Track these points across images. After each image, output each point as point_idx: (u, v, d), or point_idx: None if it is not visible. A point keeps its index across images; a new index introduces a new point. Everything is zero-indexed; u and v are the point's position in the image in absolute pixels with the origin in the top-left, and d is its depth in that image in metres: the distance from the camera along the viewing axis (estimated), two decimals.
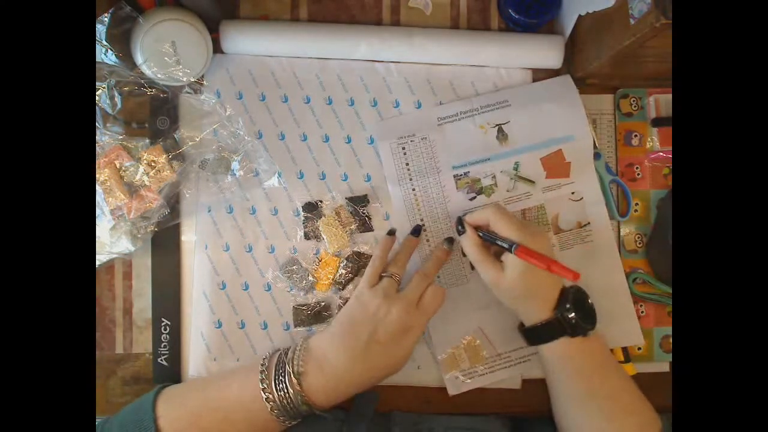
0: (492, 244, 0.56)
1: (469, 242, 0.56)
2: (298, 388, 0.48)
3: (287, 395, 0.48)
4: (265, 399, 0.48)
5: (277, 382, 0.49)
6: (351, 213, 0.62)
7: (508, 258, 0.53)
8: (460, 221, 0.58)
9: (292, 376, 0.49)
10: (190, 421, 0.49)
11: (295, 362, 0.50)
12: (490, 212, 0.55)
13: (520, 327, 0.57)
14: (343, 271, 0.62)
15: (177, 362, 0.61)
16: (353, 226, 0.62)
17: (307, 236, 0.62)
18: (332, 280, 0.62)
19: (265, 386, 0.49)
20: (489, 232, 0.56)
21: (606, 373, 0.54)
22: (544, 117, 0.62)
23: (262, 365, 0.51)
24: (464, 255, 0.59)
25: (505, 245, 0.53)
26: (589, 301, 0.55)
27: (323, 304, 0.62)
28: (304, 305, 0.62)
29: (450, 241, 0.60)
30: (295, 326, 0.62)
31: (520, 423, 0.60)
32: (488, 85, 0.63)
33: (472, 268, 0.62)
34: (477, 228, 0.57)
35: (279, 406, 0.48)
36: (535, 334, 0.55)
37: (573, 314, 0.52)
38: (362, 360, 0.50)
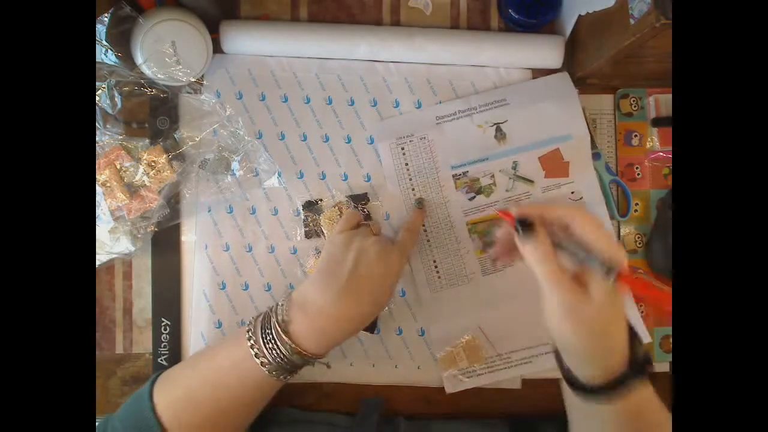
0: (573, 259, 0.43)
1: (541, 250, 0.42)
2: (285, 336, 0.47)
3: (276, 346, 0.47)
4: (255, 355, 0.47)
5: (264, 336, 0.48)
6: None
7: (597, 279, 0.41)
8: (524, 222, 0.43)
9: (278, 325, 0.47)
10: (186, 399, 0.49)
11: (279, 313, 0.49)
12: (576, 213, 0.43)
13: (563, 371, 0.45)
14: None
15: (177, 362, 0.61)
16: None
17: (308, 235, 0.62)
18: None
19: (253, 343, 0.48)
20: (566, 240, 0.43)
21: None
22: (541, 115, 0.62)
23: (248, 325, 0.50)
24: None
25: (599, 265, 0.40)
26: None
27: None
28: None
29: (420, 202, 0.60)
30: None
31: (521, 425, 0.60)
32: (488, 85, 0.63)
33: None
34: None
35: (270, 361, 0.47)
36: (602, 394, 0.41)
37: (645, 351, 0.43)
38: (345, 294, 0.48)
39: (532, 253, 0.43)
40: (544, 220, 0.44)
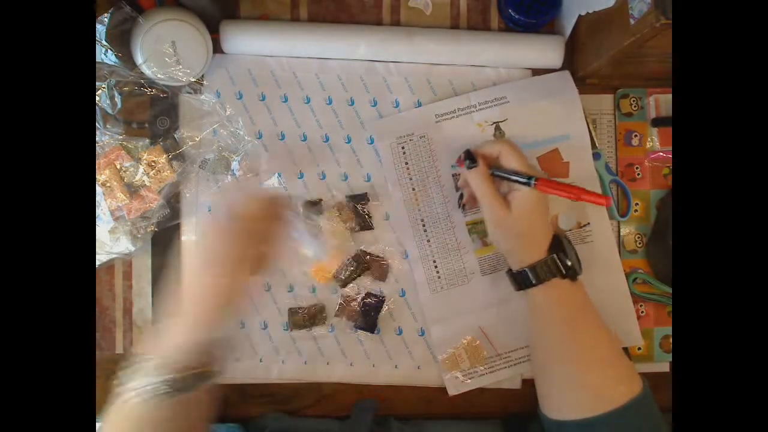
0: (503, 180, 0.55)
1: (480, 176, 0.54)
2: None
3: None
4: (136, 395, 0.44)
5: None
6: (351, 210, 0.62)
7: (517, 194, 0.53)
8: (469, 154, 0.55)
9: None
10: None
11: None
12: (502, 146, 0.54)
13: (508, 272, 0.56)
14: (349, 268, 0.61)
15: None
16: (353, 223, 0.62)
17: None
18: (333, 274, 0.61)
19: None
20: (499, 167, 0.55)
21: (588, 322, 0.54)
22: (541, 115, 0.62)
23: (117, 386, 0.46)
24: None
25: (522, 179, 0.52)
26: (575, 248, 0.56)
27: (319, 305, 0.62)
28: (299, 307, 0.62)
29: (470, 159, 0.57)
30: (292, 329, 0.61)
31: (515, 424, 0.59)
32: (488, 85, 0.63)
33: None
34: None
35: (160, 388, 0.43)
36: (528, 276, 0.54)
37: (567, 255, 0.53)
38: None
39: (473, 179, 0.55)
40: (485, 157, 0.55)
